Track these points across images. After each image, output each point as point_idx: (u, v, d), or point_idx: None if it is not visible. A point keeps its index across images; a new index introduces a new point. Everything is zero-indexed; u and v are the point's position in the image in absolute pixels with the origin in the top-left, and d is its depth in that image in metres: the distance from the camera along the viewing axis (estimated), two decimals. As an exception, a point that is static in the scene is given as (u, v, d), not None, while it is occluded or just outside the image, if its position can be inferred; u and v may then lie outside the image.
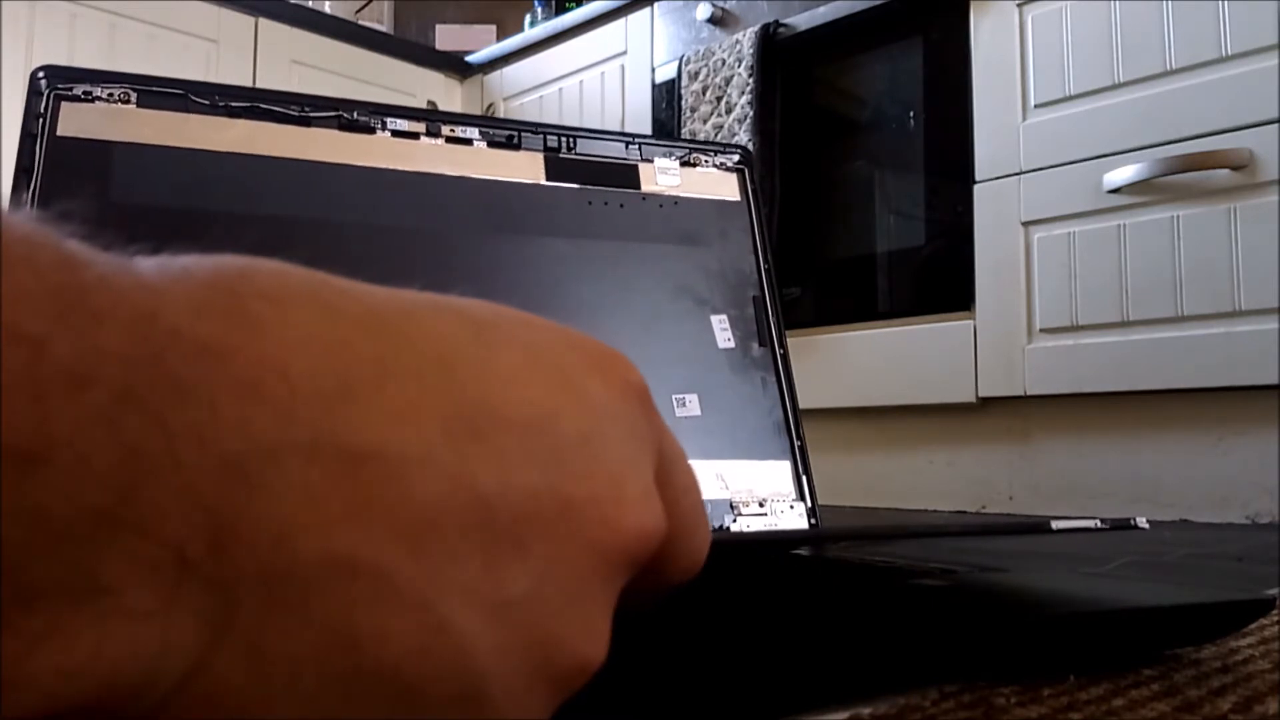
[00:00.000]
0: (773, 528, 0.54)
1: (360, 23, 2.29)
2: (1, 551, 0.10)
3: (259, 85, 1.94)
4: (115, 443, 0.11)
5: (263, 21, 1.98)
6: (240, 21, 1.95)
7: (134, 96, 0.48)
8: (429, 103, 2.21)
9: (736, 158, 0.62)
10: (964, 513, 1.37)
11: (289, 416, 0.13)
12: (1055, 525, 0.31)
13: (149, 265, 0.13)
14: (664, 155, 0.60)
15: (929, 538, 0.37)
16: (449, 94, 2.27)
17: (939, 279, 1.41)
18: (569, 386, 0.16)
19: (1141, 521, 0.32)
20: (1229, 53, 1.16)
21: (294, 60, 2.02)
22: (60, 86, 0.46)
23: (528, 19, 2.37)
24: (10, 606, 0.11)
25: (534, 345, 0.16)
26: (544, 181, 0.56)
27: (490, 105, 2.21)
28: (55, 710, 0.11)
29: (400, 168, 0.53)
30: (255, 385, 0.12)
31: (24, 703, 0.11)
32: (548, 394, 0.16)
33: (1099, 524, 0.31)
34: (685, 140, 0.61)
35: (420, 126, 0.54)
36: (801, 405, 0.57)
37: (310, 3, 2.24)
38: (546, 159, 0.56)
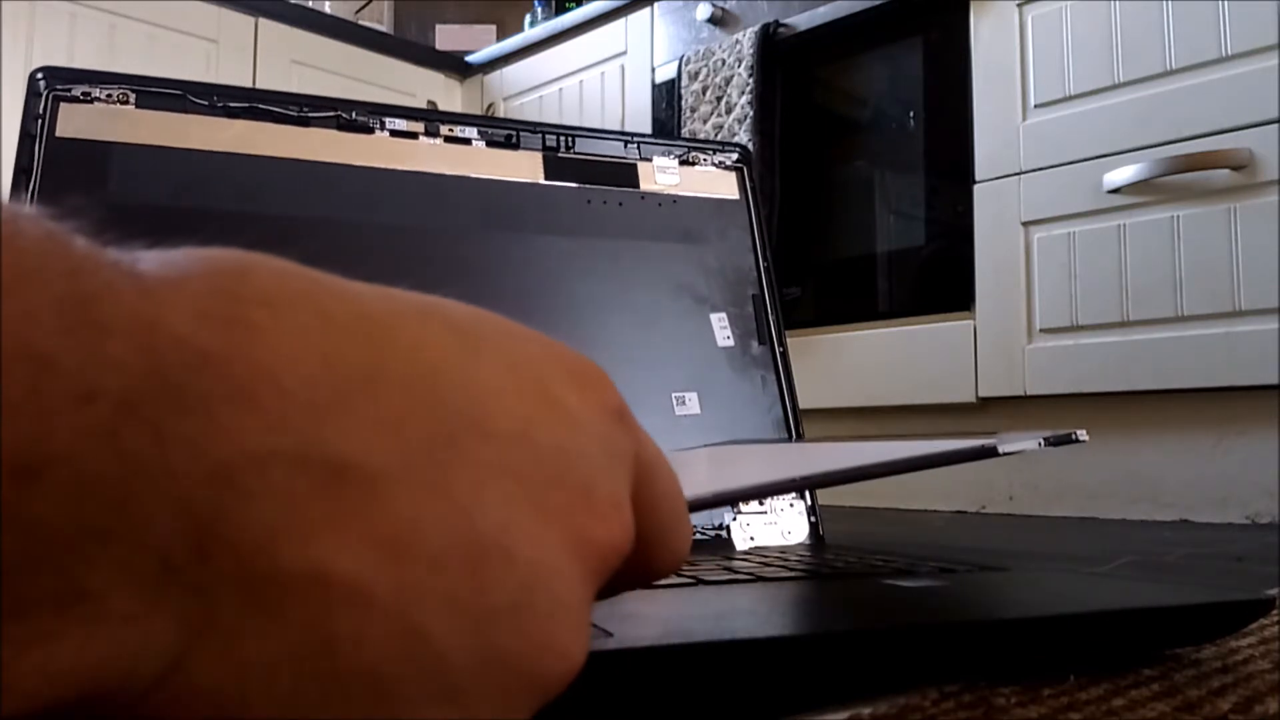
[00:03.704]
0: (773, 525, 0.54)
1: (360, 23, 2.29)
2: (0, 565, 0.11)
3: (259, 85, 1.94)
4: (111, 454, 0.11)
5: (263, 21, 1.97)
6: (240, 21, 1.95)
7: (132, 97, 0.48)
8: (429, 103, 2.20)
9: (735, 156, 0.62)
10: (964, 513, 1.37)
11: (279, 425, 0.13)
12: (1002, 449, 0.30)
13: (150, 264, 0.13)
14: (663, 154, 0.60)
15: (857, 480, 0.37)
16: (449, 94, 2.27)
17: (939, 279, 1.41)
18: (547, 399, 0.17)
19: (1081, 434, 0.31)
20: (1229, 53, 1.16)
21: (294, 60, 2.02)
22: (59, 87, 0.46)
23: (528, 19, 2.37)
24: (3, 617, 0.11)
25: (515, 356, 0.17)
26: (542, 180, 0.56)
27: (490, 105, 2.21)
28: (33, 710, 0.11)
29: (399, 167, 0.52)
30: (250, 393, 0.13)
31: (4, 705, 0.11)
32: (527, 405, 0.16)
33: (1041, 443, 0.31)
34: (684, 139, 0.61)
35: (419, 126, 0.54)
36: (801, 405, 0.57)
37: (310, 3, 2.24)
38: (545, 158, 0.56)
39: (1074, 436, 0.31)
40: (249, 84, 1.94)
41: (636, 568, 0.18)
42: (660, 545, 0.19)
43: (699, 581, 0.37)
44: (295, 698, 0.13)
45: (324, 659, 0.13)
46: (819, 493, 0.55)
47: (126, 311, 0.12)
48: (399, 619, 0.13)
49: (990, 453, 0.30)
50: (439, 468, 0.14)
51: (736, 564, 0.44)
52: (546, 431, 0.16)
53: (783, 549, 0.52)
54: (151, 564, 0.12)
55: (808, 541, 0.55)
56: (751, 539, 0.53)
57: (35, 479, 0.11)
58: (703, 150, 0.61)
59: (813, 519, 0.55)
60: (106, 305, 0.12)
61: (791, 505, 0.54)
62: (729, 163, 0.61)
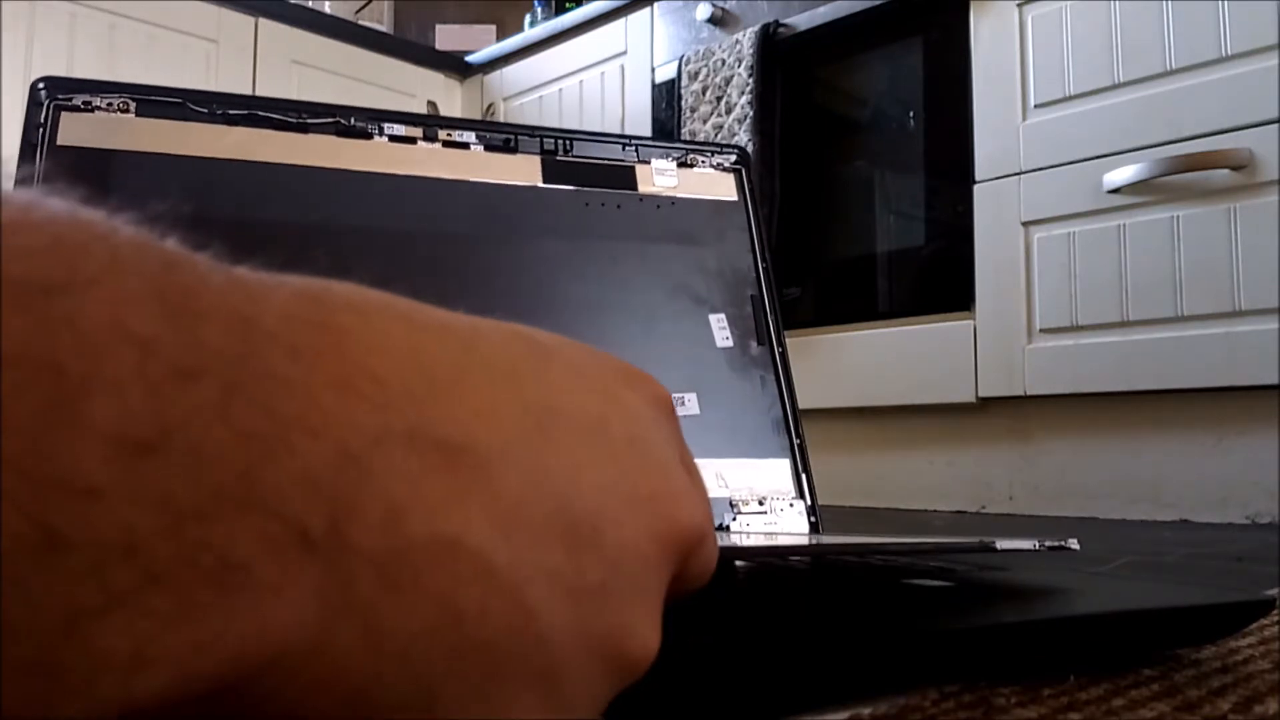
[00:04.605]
0: (772, 526, 0.54)
1: (360, 23, 2.29)
2: (126, 534, 0.11)
3: (259, 85, 1.95)
4: (228, 430, 0.12)
5: (263, 21, 1.98)
6: (240, 21, 1.95)
7: (133, 106, 0.48)
8: (429, 103, 2.20)
9: (733, 158, 0.62)
10: (964, 513, 1.37)
11: (385, 409, 0.14)
12: (999, 545, 0.33)
13: (240, 271, 0.14)
14: (661, 156, 0.60)
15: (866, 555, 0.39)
16: (449, 94, 2.27)
17: (939, 279, 1.41)
18: (611, 397, 0.18)
19: (1073, 543, 0.34)
20: (1229, 53, 1.16)
21: (294, 60, 2.02)
22: (60, 97, 0.47)
23: (528, 19, 2.37)
24: (139, 586, 0.11)
25: (577, 361, 0.18)
26: (541, 184, 0.56)
27: (490, 105, 2.21)
28: (189, 691, 0.12)
29: (398, 172, 0.53)
30: (350, 382, 0.13)
31: (159, 681, 0.11)
32: (596, 402, 0.17)
33: (1037, 546, 0.34)
34: (682, 141, 0.61)
35: (417, 131, 0.54)
36: (801, 405, 0.57)
37: (310, 3, 2.24)
38: (543, 162, 0.56)
39: (1066, 545, 0.34)
40: (249, 84, 1.94)
41: (686, 569, 0.19)
42: (695, 555, 0.19)
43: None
44: (422, 674, 0.13)
45: (452, 632, 0.13)
46: (819, 493, 0.56)
47: (222, 304, 0.13)
48: (512, 593, 0.14)
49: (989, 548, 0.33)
50: (536, 453, 0.15)
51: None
52: (619, 425, 0.17)
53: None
54: (291, 537, 0.12)
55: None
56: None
57: (154, 452, 0.11)
58: (701, 152, 0.61)
59: (813, 519, 0.55)
60: (202, 296, 0.13)
61: (791, 506, 0.54)
62: (727, 164, 0.61)
